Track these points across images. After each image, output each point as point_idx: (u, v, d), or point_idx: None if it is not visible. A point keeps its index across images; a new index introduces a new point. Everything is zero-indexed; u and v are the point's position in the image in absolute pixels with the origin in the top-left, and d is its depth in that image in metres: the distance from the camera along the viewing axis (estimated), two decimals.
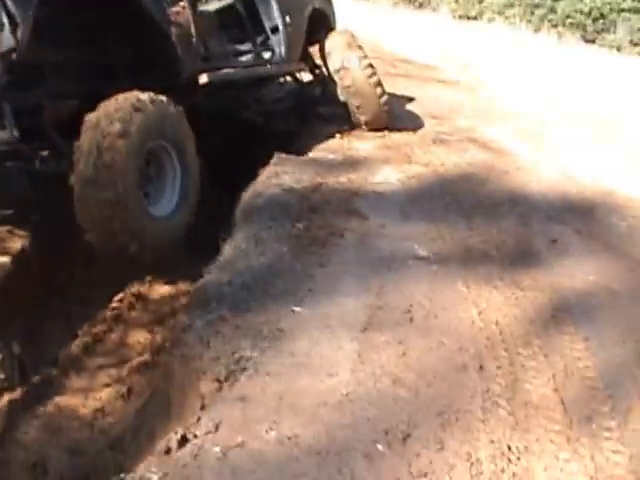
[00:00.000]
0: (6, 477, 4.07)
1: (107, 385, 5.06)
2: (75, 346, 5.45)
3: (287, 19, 6.92)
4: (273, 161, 6.25)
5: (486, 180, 6.52)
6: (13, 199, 5.04)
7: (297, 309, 3.98)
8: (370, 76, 7.36)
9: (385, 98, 7.53)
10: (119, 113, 4.50)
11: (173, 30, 5.37)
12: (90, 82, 5.01)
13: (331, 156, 6.79)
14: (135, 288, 6.16)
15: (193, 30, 5.57)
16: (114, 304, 5.94)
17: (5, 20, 4.29)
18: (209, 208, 6.54)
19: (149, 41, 5.31)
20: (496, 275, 4.68)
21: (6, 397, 4.67)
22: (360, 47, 7.55)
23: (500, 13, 25.98)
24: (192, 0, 5.78)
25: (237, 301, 4.03)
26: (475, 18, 26.77)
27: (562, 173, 6.98)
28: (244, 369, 3.45)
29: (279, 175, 5.94)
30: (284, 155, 6.48)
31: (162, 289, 6.20)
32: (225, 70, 6.07)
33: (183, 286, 5.87)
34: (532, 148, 7.92)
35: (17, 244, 5.77)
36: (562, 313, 4.26)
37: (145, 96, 4.76)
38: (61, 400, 4.79)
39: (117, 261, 5.02)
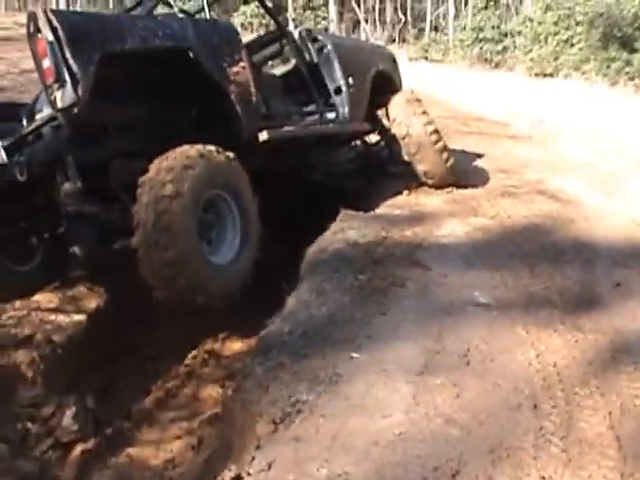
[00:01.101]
0: None
1: (178, 437, 5.21)
2: (149, 401, 5.64)
3: (350, 80, 7.08)
4: (339, 217, 6.40)
5: (552, 229, 6.52)
6: (85, 255, 5.25)
7: (355, 355, 4.07)
8: (435, 142, 7.44)
9: (451, 162, 7.59)
10: (170, 174, 4.65)
11: (232, 89, 5.53)
12: (155, 141, 5.13)
13: (397, 211, 6.89)
14: (209, 345, 6.36)
15: (253, 89, 5.72)
16: (188, 361, 6.13)
17: (67, 76, 4.49)
18: (279, 265, 6.74)
19: (210, 100, 5.51)
20: (557, 319, 4.68)
21: (79, 448, 4.84)
22: (425, 111, 7.62)
23: (576, 69, 26.03)
24: (252, 60, 6.00)
25: (296, 349, 4.15)
26: (551, 75, 26.86)
27: (630, 220, 6.92)
28: (299, 411, 3.55)
29: (344, 230, 6.08)
30: (351, 211, 6.61)
31: (234, 345, 6.38)
32: (286, 128, 6.19)
33: (254, 342, 6.01)
34: (601, 198, 7.89)
35: (93, 303, 6.02)
36: (622, 354, 4.24)
37: (194, 151, 4.90)
38: (133, 451, 4.95)
39: (188, 313, 5.23)
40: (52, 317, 5.75)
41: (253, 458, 3.23)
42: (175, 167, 4.71)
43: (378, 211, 6.92)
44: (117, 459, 4.76)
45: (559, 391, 3.81)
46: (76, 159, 4.78)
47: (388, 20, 39.30)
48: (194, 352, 6.31)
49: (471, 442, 3.33)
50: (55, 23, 4.50)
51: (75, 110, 4.56)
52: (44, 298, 5.96)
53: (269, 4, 7.23)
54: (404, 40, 37.00)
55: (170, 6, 6.37)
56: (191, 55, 5.26)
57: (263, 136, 5.74)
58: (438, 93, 18.03)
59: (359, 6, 38.89)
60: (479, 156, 9.66)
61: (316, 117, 6.83)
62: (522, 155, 10.39)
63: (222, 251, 5.14)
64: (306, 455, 3.19)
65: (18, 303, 5.82)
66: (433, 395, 3.70)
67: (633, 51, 25.15)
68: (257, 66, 6.72)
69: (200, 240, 4.86)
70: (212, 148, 5.06)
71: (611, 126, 13.76)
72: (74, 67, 4.50)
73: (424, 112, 7.61)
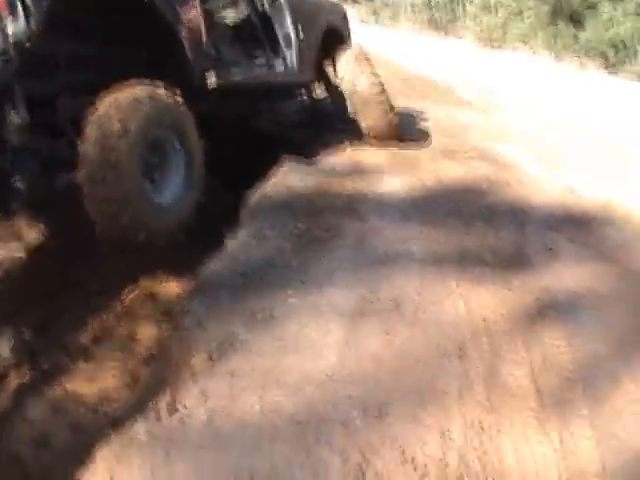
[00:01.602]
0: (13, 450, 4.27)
1: (114, 374, 5.28)
2: (86, 337, 5.68)
3: (301, 33, 7.15)
4: (282, 165, 6.45)
5: (489, 191, 6.67)
6: (27, 188, 5.22)
7: (290, 298, 4.17)
8: (380, 100, 7.58)
9: (395, 120, 7.76)
10: (119, 112, 4.63)
11: (183, 31, 5.54)
12: (105, 78, 5.03)
13: (340, 163, 6.97)
14: (148, 284, 6.41)
15: (203, 32, 5.73)
16: (126, 299, 6.18)
17: (20, 8, 4.43)
18: (221, 211, 6.79)
19: (161, 41, 5.47)
20: (488, 276, 4.82)
21: (14, 379, 4.88)
22: (371, 65, 7.75)
23: (524, 41, 26.26)
24: (204, 5, 5.98)
25: (234, 288, 4.24)
26: (499, 46, 27.06)
27: (566, 188, 7.13)
28: (235, 348, 3.65)
29: (287, 178, 6.14)
30: (294, 160, 6.68)
31: (173, 287, 6.43)
32: (235, 73, 6.24)
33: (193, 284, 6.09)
34: (541, 167, 8.08)
35: (34, 237, 6.01)
36: (548, 311, 4.41)
37: (143, 90, 4.89)
38: (69, 385, 5.00)
39: (130, 251, 5.24)
40: None
41: (189, 391, 3.31)
42: (124, 105, 4.69)
43: (321, 162, 6.99)
44: (53, 392, 4.79)
45: (486, 342, 3.96)
46: (24, 91, 4.69)
47: None
48: (134, 291, 6.36)
49: (400, 385, 3.47)
50: None
51: (26, 43, 4.49)
52: None
53: None
54: (355, 0, 36.85)
55: None
56: None
57: (211, 80, 5.77)
58: (387, 55, 18.08)
59: None
60: (423, 118, 9.78)
61: (265, 66, 6.88)
62: (466, 120, 10.54)
63: (165, 191, 5.12)
64: (241, 388, 3.29)
65: None
66: (365, 339, 3.82)
67: (580, 28, 25.50)
68: (210, 13, 6.59)
69: (144, 179, 4.86)
70: (161, 88, 5.04)
71: (556, 100, 14.01)
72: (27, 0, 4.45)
73: (372, 70, 7.71)
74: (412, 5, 32.68)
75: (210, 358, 3.62)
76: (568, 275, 5.02)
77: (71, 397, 4.93)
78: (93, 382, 5.15)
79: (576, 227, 6.02)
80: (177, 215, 5.13)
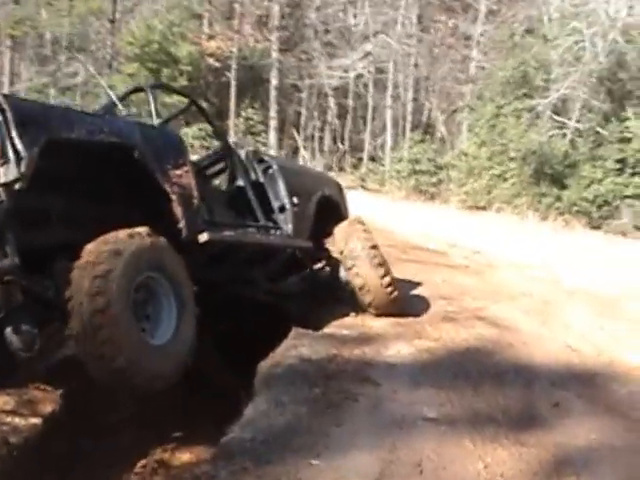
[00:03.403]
0: None
1: None
2: None
3: (295, 200, 7.39)
4: (291, 335, 6.66)
5: (492, 352, 6.88)
6: (26, 345, 5.16)
7: (315, 462, 4.28)
8: (381, 276, 7.62)
9: (396, 294, 7.77)
10: (101, 257, 4.77)
11: (174, 190, 5.70)
12: (98, 235, 5.09)
13: (346, 331, 7.18)
14: (158, 454, 6.48)
15: (195, 193, 5.93)
16: (137, 469, 6.24)
17: (11, 154, 4.63)
18: (226, 382, 6.97)
19: (151, 200, 5.66)
20: (501, 434, 4.97)
21: None
22: (373, 245, 7.79)
23: (509, 203, 27.06)
24: (193, 164, 6.24)
25: (258, 454, 4.35)
26: (484, 208, 27.85)
27: (564, 345, 7.33)
28: None
29: (297, 347, 6.33)
30: (301, 330, 6.89)
31: (183, 456, 6.51)
32: (227, 231, 6.37)
33: (205, 454, 6.16)
34: (537, 324, 8.31)
35: (48, 406, 6.13)
36: (564, 467, 4.53)
37: (123, 234, 5.01)
38: None
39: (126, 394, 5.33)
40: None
41: None
42: (105, 250, 4.83)
43: (327, 330, 7.19)
44: None
45: None
46: (17, 239, 4.80)
47: (326, 148, 40.35)
48: (144, 461, 6.42)
49: None
50: (4, 105, 4.71)
51: (17, 186, 4.66)
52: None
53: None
54: (342, 169, 37.97)
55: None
56: (135, 154, 5.45)
57: (203, 237, 5.88)
58: (377, 221, 18.60)
59: (298, 133, 39.96)
60: (420, 283, 10.06)
61: (258, 230, 7.03)
62: (461, 283, 10.85)
63: (159, 332, 5.19)
64: None
65: None
66: None
67: (563, 188, 26.35)
68: (203, 177, 6.97)
69: (136, 320, 4.94)
70: (142, 230, 5.17)
71: (543, 258, 14.41)
72: (19, 146, 4.65)
73: (372, 246, 7.78)
74: (397, 172, 33.78)
75: None
76: (580, 430, 5.16)
77: None
78: None
79: (581, 383, 6.20)
80: (172, 356, 5.16)
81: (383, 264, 7.74)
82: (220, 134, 8.34)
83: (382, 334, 7.27)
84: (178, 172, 5.85)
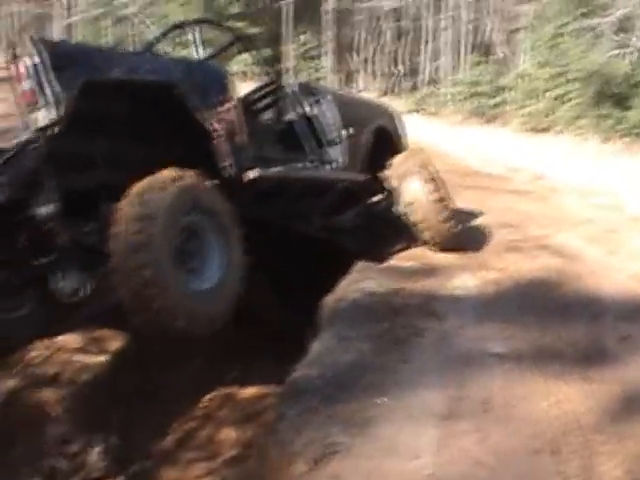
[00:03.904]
0: None
1: (199, 477, 5.45)
2: (169, 441, 5.87)
3: (349, 132, 7.14)
4: (355, 268, 6.66)
5: (558, 284, 6.80)
6: (73, 291, 5.15)
7: (384, 399, 4.31)
8: (440, 211, 7.38)
9: (456, 229, 7.57)
10: (144, 197, 4.64)
11: (219, 127, 5.53)
12: (141, 175, 4.95)
13: (409, 264, 7.15)
14: (224, 389, 6.62)
15: (241, 129, 5.75)
16: (205, 403, 6.38)
17: (50, 96, 4.54)
18: (288, 317, 7.04)
19: (195, 139, 5.51)
20: (569, 370, 4.94)
21: None
22: (432, 178, 7.54)
23: (570, 125, 26.54)
24: (241, 100, 6.08)
25: (326, 393, 4.38)
26: (545, 131, 27.36)
27: (631, 277, 7.22)
28: (335, 452, 3.79)
29: (361, 281, 6.33)
30: (364, 263, 6.88)
31: (250, 391, 6.63)
32: (276, 168, 6.14)
33: (271, 390, 6.28)
34: (602, 253, 8.19)
35: (115, 343, 6.27)
36: (634, 403, 4.50)
37: (167, 175, 4.85)
38: None
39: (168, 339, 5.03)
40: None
41: None
42: (149, 190, 4.70)
43: (391, 263, 7.17)
44: None
45: (577, 437, 4.05)
46: (59, 184, 4.74)
47: (382, 72, 39.86)
48: (210, 395, 6.57)
49: None
50: (40, 47, 4.59)
51: (55, 130, 4.59)
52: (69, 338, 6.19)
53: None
54: (398, 93, 37.56)
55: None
56: (176, 92, 5.28)
57: (251, 174, 5.70)
58: (435, 146, 18.43)
59: (353, 58, 39.54)
60: (482, 211, 9.95)
61: (311, 164, 6.84)
62: (523, 210, 10.73)
63: (204, 275, 5.01)
64: None
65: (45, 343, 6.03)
66: (459, 439, 3.94)
67: (626, 109, 25.71)
68: (252, 112, 6.76)
69: (177, 264, 4.76)
70: (187, 172, 4.99)
71: (606, 183, 14.16)
72: (57, 88, 4.55)
73: (431, 178, 7.53)
74: (456, 94, 33.31)
75: (310, 462, 3.75)
76: None
77: None
78: None
79: None
80: (217, 302, 4.98)
81: (442, 199, 7.49)
82: (270, 66, 8.14)
83: (446, 265, 7.22)
84: (223, 108, 5.68)
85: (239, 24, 33.65)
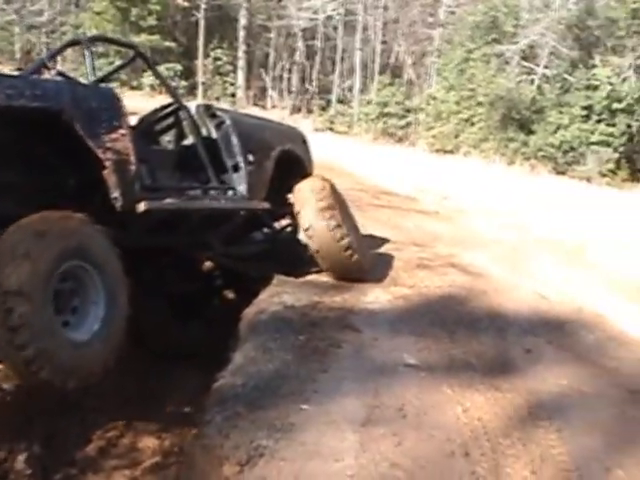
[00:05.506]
0: None
1: None
2: (92, 449, 5.96)
3: (250, 158, 6.88)
4: (273, 282, 6.87)
5: (466, 299, 7.17)
6: None
7: (305, 406, 4.54)
8: (339, 239, 7.06)
9: (356, 257, 7.18)
10: (20, 239, 4.40)
11: (108, 156, 5.25)
12: (31, 206, 4.72)
13: (324, 279, 7.38)
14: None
15: (132, 158, 5.45)
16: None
17: None
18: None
19: (84, 167, 5.27)
20: (477, 380, 5.26)
21: None
22: (329, 205, 7.17)
23: (476, 147, 27.40)
24: (137, 123, 6.05)
25: (251, 400, 4.59)
26: (452, 152, 28.14)
27: (534, 292, 7.65)
28: (262, 455, 4.00)
29: (280, 294, 6.55)
30: (282, 277, 7.10)
31: (171, 400, 6.76)
32: (169, 200, 5.85)
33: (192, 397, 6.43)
34: (506, 271, 8.62)
35: None
36: (537, 410, 4.86)
37: (51, 216, 4.62)
38: None
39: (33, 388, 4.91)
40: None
41: None
42: (28, 231, 4.46)
43: (307, 278, 7.40)
44: None
45: (486, 441, 4.36)
46: None
47: (294, 89, 40.32)
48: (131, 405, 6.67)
49: None
50: None
51: None
52: None
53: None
54: (310, 110, 38.03)
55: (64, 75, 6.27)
56: (63, 118, 5.00)
57: (141, 207, 5.43)
58: (346, 165, 18.85)
59: (267, 74, 39.88)
60: (393, 229, 10.32)
61: (209, 193, 6.54)
62: (432, 229, 11.16)
63: (82, 326, 4.74)
64: None
65: None
66: (377, 443, 4.19)
67: (529, 133, 26.71)
68: (148, 138, 6.54)
69: (55, 310, 4.51)
70: (74, 214, 4.74)
71: (510, 204, 14.77)
72: None
73: (328, 206, 7.16)
74: (366, 114, 33.93)
75: (239, 464, 3.95)
76: (551, 376, 5.49)
77: None
78: None
79: (551, 330, 6.53)
80: (94, 354, 4.71)
81: (339, 226, 7.11)
82: (169, 86, 8.09)
83: (359, 282, 7.46)
84: (112, 136, 5.33)
85: (152, 37, 33.75)
